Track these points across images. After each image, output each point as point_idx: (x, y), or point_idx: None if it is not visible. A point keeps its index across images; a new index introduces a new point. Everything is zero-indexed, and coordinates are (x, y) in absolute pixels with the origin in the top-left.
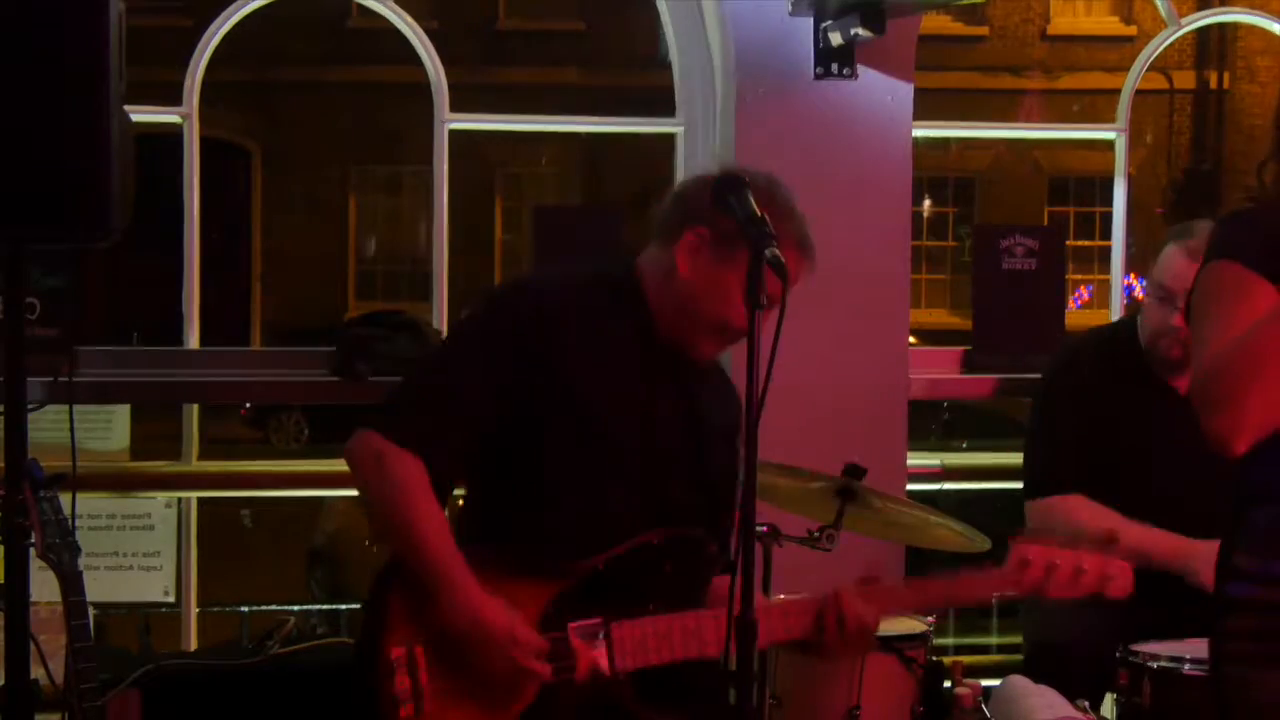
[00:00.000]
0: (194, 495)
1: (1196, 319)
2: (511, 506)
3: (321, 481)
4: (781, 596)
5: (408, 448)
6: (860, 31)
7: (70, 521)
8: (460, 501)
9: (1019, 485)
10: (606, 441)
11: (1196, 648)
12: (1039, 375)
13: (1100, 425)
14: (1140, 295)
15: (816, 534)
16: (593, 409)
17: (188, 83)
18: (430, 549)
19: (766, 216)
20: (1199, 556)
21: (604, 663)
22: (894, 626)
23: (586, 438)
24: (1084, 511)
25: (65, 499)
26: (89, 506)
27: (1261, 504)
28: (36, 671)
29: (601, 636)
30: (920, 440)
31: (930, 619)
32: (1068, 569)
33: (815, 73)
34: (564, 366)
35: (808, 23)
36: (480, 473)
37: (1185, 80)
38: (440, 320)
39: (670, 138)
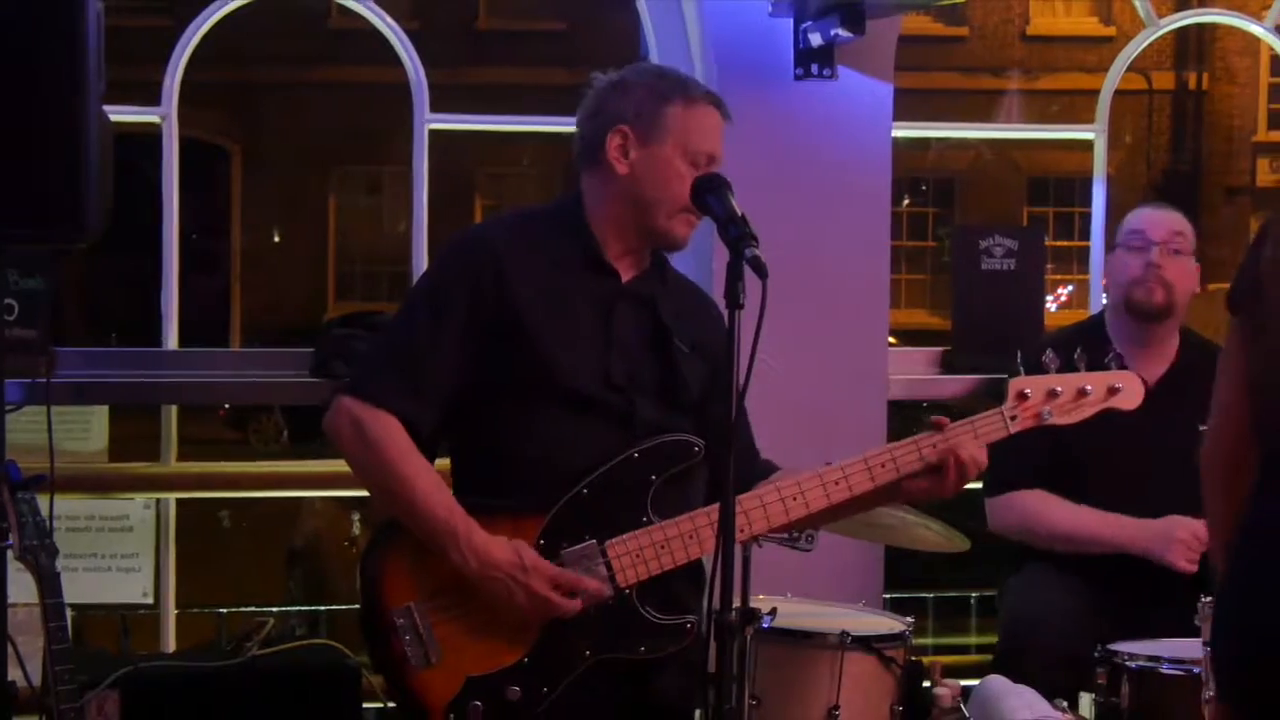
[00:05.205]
0: (172, 496)
1: None
2: (490, 453)
3: (301, 482)
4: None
5: (384, 407)
6: (840, 32)
7: (48, 523)
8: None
9: None
10: (563, 371)
11: (1174, 647)
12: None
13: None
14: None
15: (796, 534)
16: (545, 340)
17: (167, 82)
18: (426, 502)
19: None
20: (1155, 535)
21: (605, 581)
22: (873, 626)
23: (544, 371)
24: (1047, 503)
25: (43, 500)
26: (67, 508)
27: None
28: (14, 673)
29: (598, 557)
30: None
31: (909, 619)
32: (1070, 391)
33: (795, 73)
34: (515, 302)
35: (788, 23)
36: (458, 425)
37: (1164, 81)
38: None
39: None
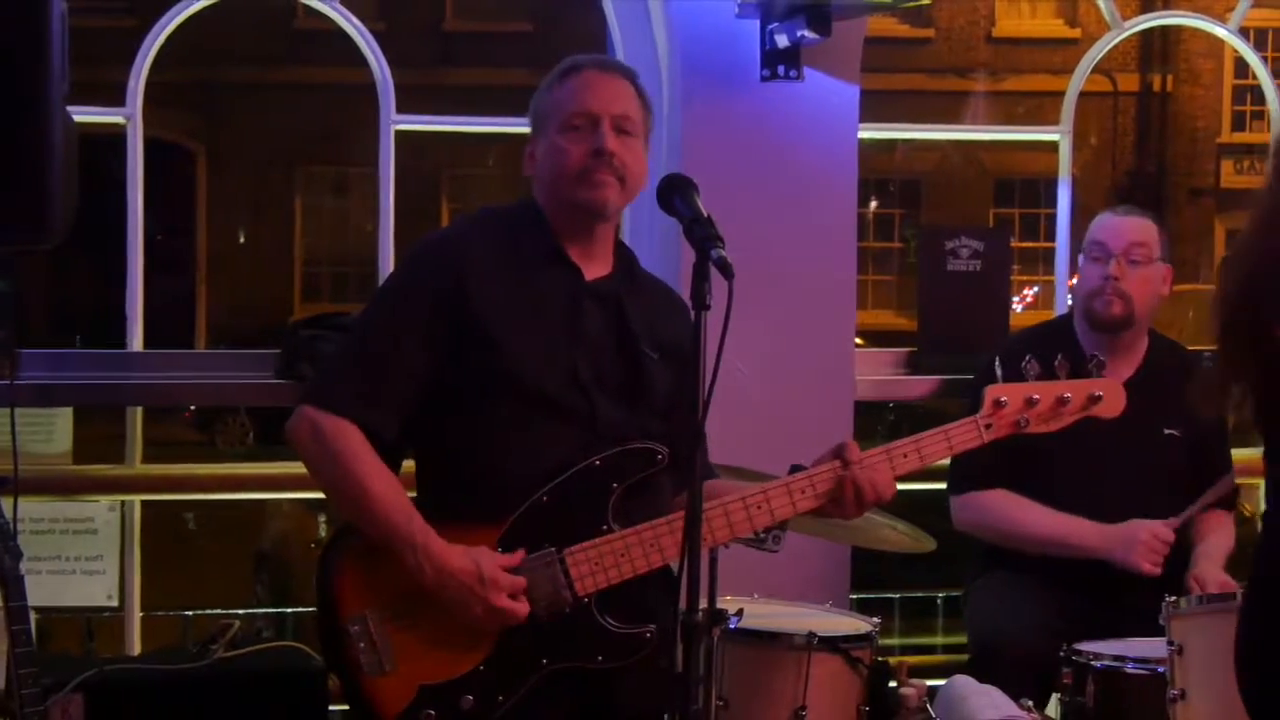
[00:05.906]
0: (137, 498)
1: None
2: (452, 458)
3: (267, 484)
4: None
5: (344, 414)
6: (806, 33)
7: (12, 525)
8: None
9: None
10: (527, 369)
11: (1140, 647)
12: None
13: None
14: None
15: (763, 535)
16: (509, 338)
17: (131, 83)
18: (384, 510)
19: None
20: (1117, 540)
21: (564, 590)
22: (839, 627)
23: (507, 369)
24: (1011, 504)
25: (7, 503)
26: (31, 510)
27: None
28: None
29: (557, 565)
30: (866, 441)
31: (875, 620)
32: (1049, 399)
33: (761, 75)
34: (478, 301)
35: (754, 25)
36: (420, 431)
37: (1129, 83)
38: None
39: None
